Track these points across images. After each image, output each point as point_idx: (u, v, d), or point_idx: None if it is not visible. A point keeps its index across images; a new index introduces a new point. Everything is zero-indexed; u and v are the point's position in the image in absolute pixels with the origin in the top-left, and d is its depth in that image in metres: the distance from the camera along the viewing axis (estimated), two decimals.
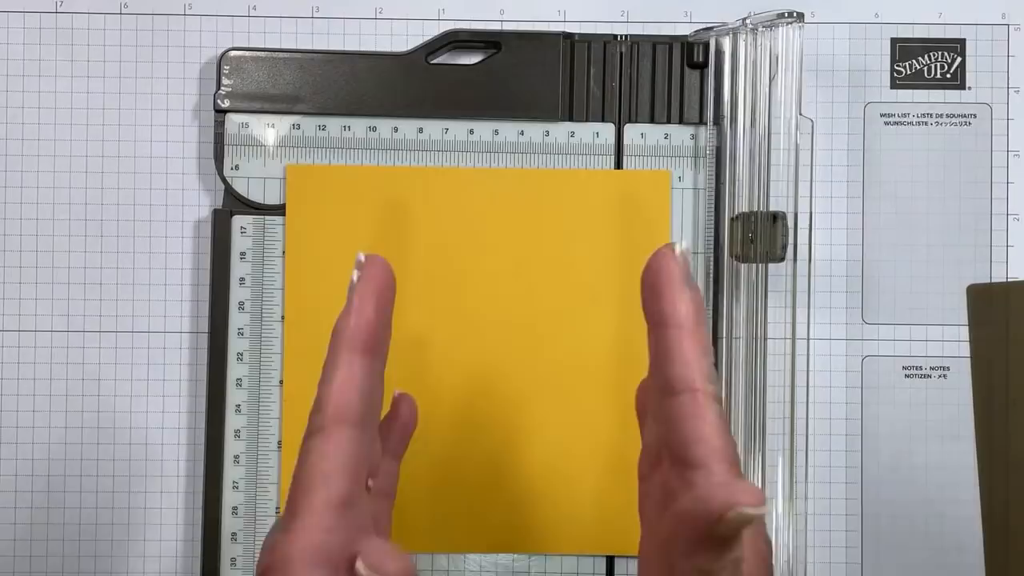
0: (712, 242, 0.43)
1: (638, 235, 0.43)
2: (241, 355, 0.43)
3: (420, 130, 0.44)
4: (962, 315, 0.38)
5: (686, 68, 0.44)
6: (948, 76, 0.45)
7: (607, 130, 0.44)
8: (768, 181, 0.42)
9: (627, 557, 0.43)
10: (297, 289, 0.43)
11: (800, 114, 0.42)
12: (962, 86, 0.45)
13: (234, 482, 0.43)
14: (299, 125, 0.44)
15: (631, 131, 0.44)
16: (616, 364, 0.43)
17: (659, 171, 0.44)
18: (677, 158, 0.44)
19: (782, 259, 0.42)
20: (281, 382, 0.43)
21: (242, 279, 0.43)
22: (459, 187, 0.43)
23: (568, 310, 0.43)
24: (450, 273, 0.43)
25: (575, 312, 0.43)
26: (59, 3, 0.45)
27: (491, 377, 0.43)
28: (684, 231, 0.44)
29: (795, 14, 0.41)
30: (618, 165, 0.44)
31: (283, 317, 0.43)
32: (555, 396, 0.43)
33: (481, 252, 0.43)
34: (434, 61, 0.44)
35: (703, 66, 0.44)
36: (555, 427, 0.43)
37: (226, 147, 0.44)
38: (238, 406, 0.43)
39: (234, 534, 0.43)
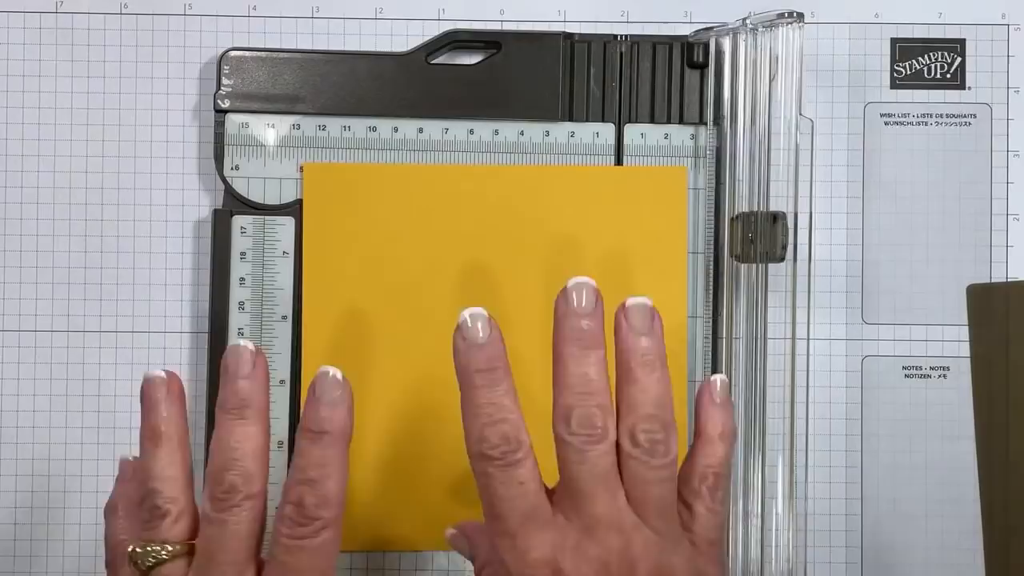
0: (712, 242, 0.43)
1: (653, 231, 0.43)
2: None
3: (420, 130, 0.44)
4: (962, 315, 0.38)
5: (686, 68, 0.44)
6: (948, 76, 0.45)
7: (607, 130, 0.44)
8: (768, 181, 0.42)
9: None
10: (315, 287, 0.43)
11: (800, 114, 0.42)
12: (962, 86, 0.45)
13: None
14: (299, 125, 0.44)
15: (631, 131, 0.44)
16: None
17: (675, 167, 0.44)
18: (677, 158, 0.44)
19: (782, 259, 0.42)
20: (282, 381, 0.43)
21: (242, 279, 0.43)
22: (478, 184, 0.43)
23: None
24: (468, 268, 0.43)
25: None
26: (59, 3, 0.45)
27: None
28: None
29: (795, 14, 0.41)
30: (618, 165, 0.44)
31: (284, 317, 0.43)
32: (549, 392, 0.43)
33: (497, 248, 0.43)
34: (434, 61, 0.44)
35: (703, 66, 0.44)
36: (547, 423, 0.43)
37: (226, 147, 0.44)
38: None
39: None
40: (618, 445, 0.33)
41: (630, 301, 0.34)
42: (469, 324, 0.33)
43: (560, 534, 0.32)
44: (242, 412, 0.33)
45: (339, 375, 0.33)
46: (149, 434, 0.34)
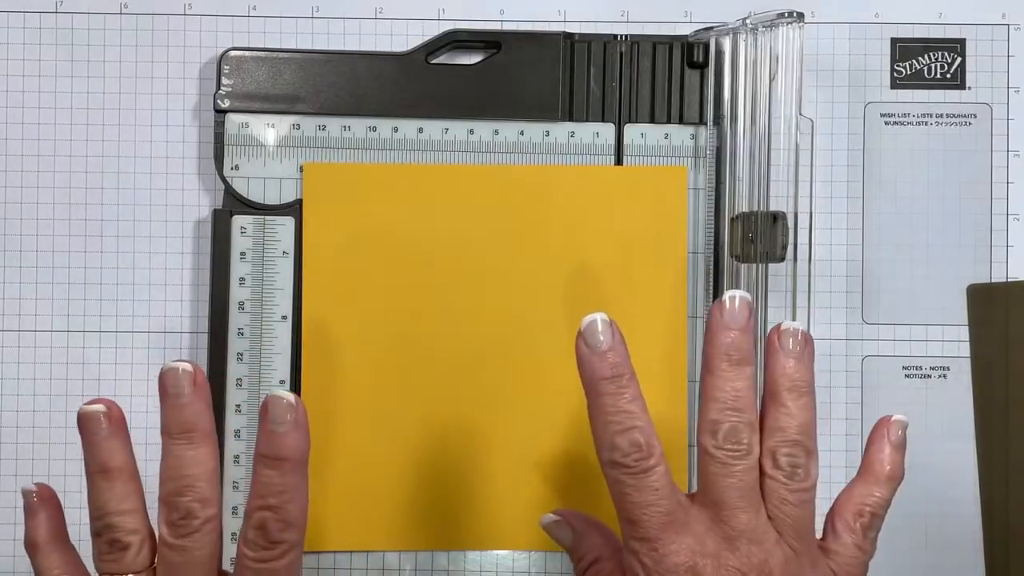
0: (712, 242, 0.43)
1: (654, 231, 0.43)
2: (241, 355, 0.43)
3: (420, 130, 0.44)
4: (962, 315, 0.38)
5: (686, 68, 0.44)
6: (948, 76, 0.45)
7: (607, 130, 0.44)
8: (768, 181, 0.42)
9: None
10: (315, 287, 0.43)
11: (800, 114, 0.42)
12: (962, 86, 0.45)
13: (234, 482, 0.43)
14: (299, 125, 0.44)
15: (631, 131, 0.44)
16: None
17: (675, 167, 0.44)
18: (677, 158, 0.44)
19: (782, 259, 0.42)
20: (282, 381, 0.43)
21: (242, 279, 0.43)
22: (478, 184, 0.43)
23: (578, 306, 0.43)
24: (468, 268, 0.43)
25: (584, 309, 0.43)
26: (59, 3, 0.45)
27: (499, 371, 0.43)
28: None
29: (795, 14, 0.41)
30: (618, 165, 0.44)
31: (284, 317, 0.43)
32: (549, 392, 0.43)
33: (496, 248, 0.43)
34: (434, 61, 0.44)
35: (703, 66, 0.44)
36: (546, 422, 0.43)
37: (226, 147, 0.44)
38: (238, 406, 0.43)
39: (234, 533, 0.43)
40: (759, 463, 0.33)
41: (785, 324, 0.34)
42: (591, 330, 0.33)
43: (698, 541, 0.32)
44: (189, 437, 0.32)
45: (291, 399, 0.32)
46: (98, 469, 0.33)
